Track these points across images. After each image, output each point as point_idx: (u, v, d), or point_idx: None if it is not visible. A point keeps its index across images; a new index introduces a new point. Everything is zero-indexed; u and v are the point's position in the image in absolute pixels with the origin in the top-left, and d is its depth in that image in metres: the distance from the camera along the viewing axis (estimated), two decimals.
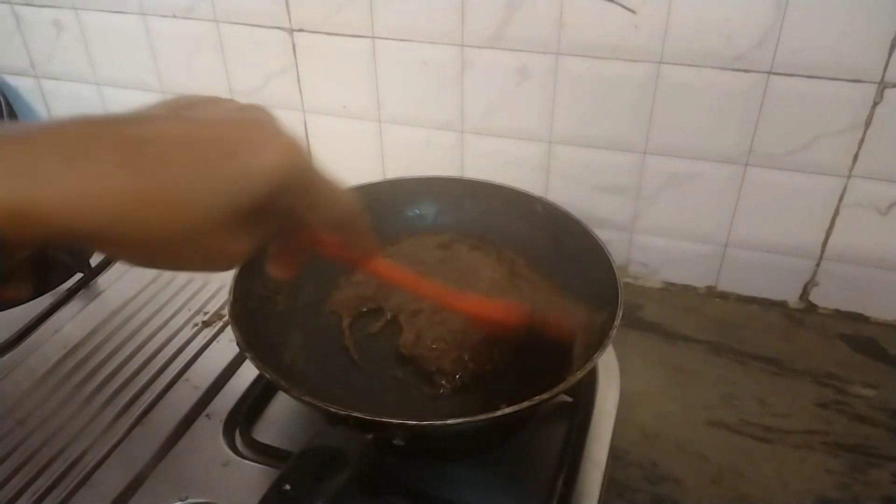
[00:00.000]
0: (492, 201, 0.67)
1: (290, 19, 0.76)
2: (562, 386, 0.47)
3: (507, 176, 0.70)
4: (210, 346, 0.63)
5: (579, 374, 0.48)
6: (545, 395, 0.46)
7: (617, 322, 0.52)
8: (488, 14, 0.69)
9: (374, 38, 0.74)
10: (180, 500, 0.50)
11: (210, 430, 0.56)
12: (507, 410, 0.45)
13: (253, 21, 0.78)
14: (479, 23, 0.70)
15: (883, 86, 0.62)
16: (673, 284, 0.79)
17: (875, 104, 0.63)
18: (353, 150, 0.82)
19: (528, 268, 0.64)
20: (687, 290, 0.79)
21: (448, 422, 0.45)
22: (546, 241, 0.64)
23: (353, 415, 0.44)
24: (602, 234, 0.62)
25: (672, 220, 0.75)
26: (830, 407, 0.65)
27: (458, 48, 0.72)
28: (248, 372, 0.60)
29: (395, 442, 0.45)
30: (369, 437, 0.43)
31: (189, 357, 0.62)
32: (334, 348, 0.58)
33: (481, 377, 0.55)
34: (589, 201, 0.76)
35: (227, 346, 0.63)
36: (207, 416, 0.57)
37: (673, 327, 0.74)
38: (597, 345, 0.51)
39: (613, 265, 0.57)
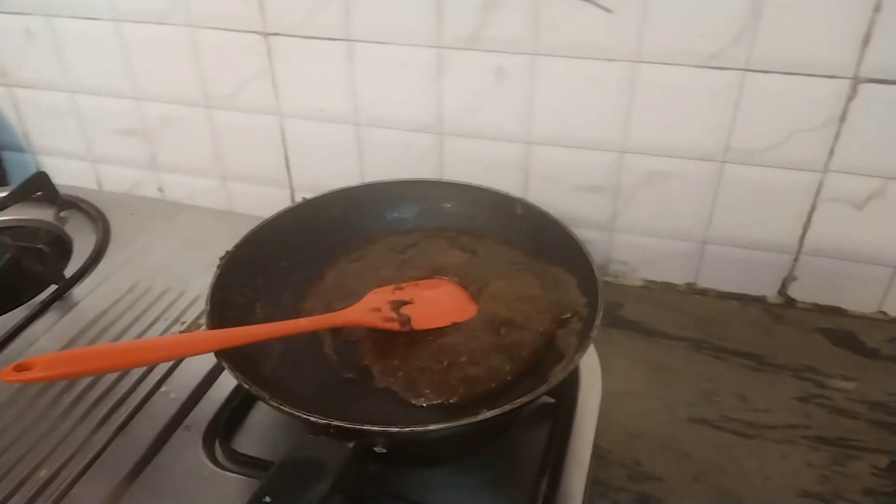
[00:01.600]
0: (471, 203, 0.67)
1: (265, 23, 0.75)
2: (543, 388, 0.47)
3: (486, 177, 0.70)
4: (188, 357, 0.62)
5: (560, 375, 0.48)
6: (526, 398, 0.46)
7: (597, 322, 0.52)
8: (465, 15, 0.68)
9: (350, 40, 0.74)
10: None
11: (189, 441, 0.55)
12: (489, 414, 0.45)
13: (227, 26, 0.77)
14: (456, 24, 0.69)
15: (856, 81, 0.62)
16: (653, 282, 0.80)
17: (849, 99, 0.63)
18: (331, 154, 0.82)
19: (498, 251, 0.64)
20: (667, 287, 0.79)
21: (429, 427, 0.45)
22: (526, 242, 0.64)
23: (334, 423, 0.44)
24: (582, 234, 0.62)
25: (651, 218, 0.76)
26: (810, 401, 0.66)
27: (435, 50, 0.71)
28: (228, 382, 0.59)
29: (376, 449, 0.45)
30: (350, 445, 0.43)
31: (167, 368, 0.61)
32: (314, 357, 0.57)
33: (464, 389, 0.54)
34: (568, 201, 0.76)
35: (205, 356, 0.62)
36: (186, 427, 0.56)
37: (653, 325, 0.74)
38: (577, 346, 0.51)
39: (593, 265, 0.57)
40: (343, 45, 0.74)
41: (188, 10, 0.77)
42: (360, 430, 0.44)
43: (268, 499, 0.37)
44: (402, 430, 0.44)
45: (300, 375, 0.55)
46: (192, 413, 0.57)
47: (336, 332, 0.59)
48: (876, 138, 0.65)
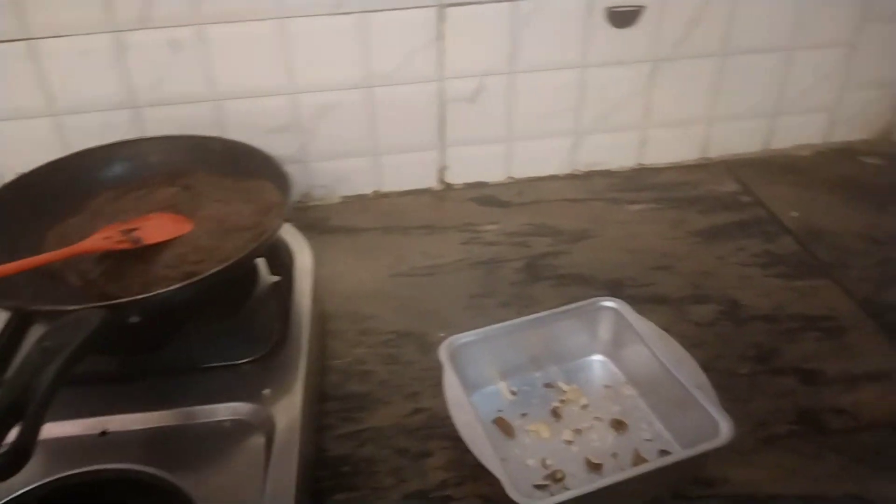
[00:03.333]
0: (174, 151, 0.79)
1: None
2: (255, 244, 0.63)
3: None
4: None
5: (268, 235, 0.64)
6: (242, 255, 0.62)
7: (290, 201, 0.69)
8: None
9: (30, 39, 0.81)
10: None
11: None
12: (218, 268, 0.59)
13: None
14: (124, 8, 0.81)
15: (441, 7, 0.87)
16: (349, 196, 0.99)
17: (441, 21, 0.88)
18: (32, 151, 0.86)
19: (207, 181, 0.77)
20: (360, 197, 0.99)
21: (169, 289, 0.58)
22: (229, 170, 0.78)
23: (90, 306, 0.55)
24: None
25: (332, 144, 0.95)
26: (470, 243, 0.90)
27: (111, 34, 0.83)
28: None
29: (131, 320, 0.57)
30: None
31: None
32: (61, 288, 0.66)
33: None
34: (264, 143, 0.89)
35: None
36: None
37: (354, 225, 0.94)
38: (279, 214, 0.68)
39: (281, 167, 0.73)
40: (24, 44, 0.82)
41: None
42: (113, 305, 0.55)
43: (47, 343, 0.48)
44: (147, 295, 0.57)
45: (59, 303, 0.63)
46: None
47: (74, 271, 0.67)
48: (467, 47, 0.90)
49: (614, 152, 1.02)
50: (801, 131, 1.06)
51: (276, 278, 0.74)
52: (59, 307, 0.56)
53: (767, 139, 1.05)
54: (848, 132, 1.07)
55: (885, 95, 1.05)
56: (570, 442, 0.62)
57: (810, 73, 1.01)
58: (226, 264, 0.60)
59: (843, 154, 1.06)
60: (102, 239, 0.67)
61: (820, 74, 1.01)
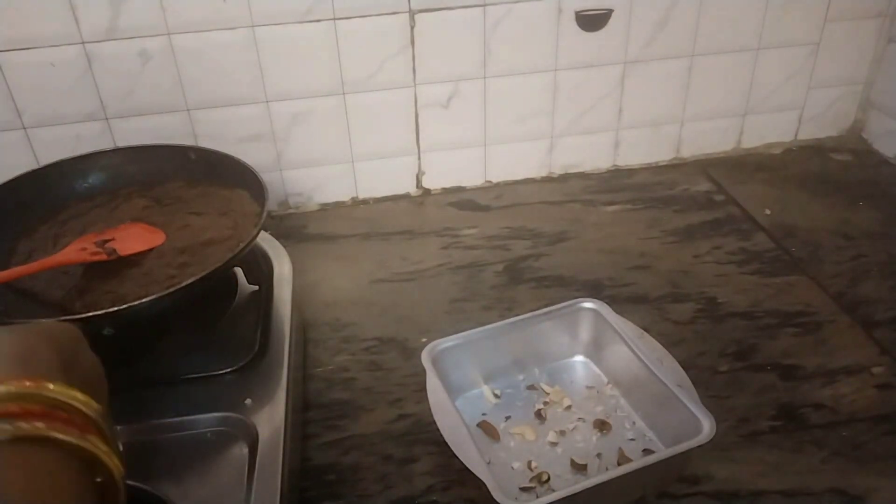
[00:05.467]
0: (150, 160, 0.78)
1: None
2: (231, 254, 0.62)
3: None
4: None
5: (243, 245, 0.63)
6: (218, 265, 0.61)
7: (266, 209, 0.68)
8: (98, 11, 0.80)
9: None
10: None
11: None
12: (193, 279, 0.59)
13: None
14: (92, 19, 0.80)
15: (412, 13, 0.87)
16: (326, 204, 0.99)
17: (411, 28, 0.88)
18: (2, 165, 0.86)
19: (182, 191, 0.77)
20: (338, 205, 0.99)
21: (144, 300, 0.57)
22: (204, 179, 0.78)
23: (63, 319, 0.54)
24: None
25: (307, 151, 0.94)
26: (450, 247, 0.90)
27: (79, 46, 0.81)
28: None
29: (105, 332, 0.56)
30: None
31: None
32: (37, 303, 0.65)
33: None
34: (237, 152, 0.88)
35: None
36: None
37: (332, 232, 0.93)
38: (256, 223, 0.67)
39: (257, 174, 0.73)
40: None
41: None
42: (86, 318, 0.54)
43: None
44: (121, 307, 0.56)
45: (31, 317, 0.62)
46: None
47: (44, 284, 0.66)
48: (440, 53, 0.90)
49: (589, 154, 1.03)
50: (771, 130, 1.07)
51: (254, 288, 0.74)
52: (32, 321, 0.54)
53: (738, 138, 1.07)
54: (817, 130, 1.09)
55: (851, 93, 1.07)
56: (554, 443, 0.62)
57: (777, 72, 1.02)
58: (201, 275, 0.60)
59: (813, 151, 1.08)
60: (78, 251, 0.66)
61: (787, 73, 1.03)
